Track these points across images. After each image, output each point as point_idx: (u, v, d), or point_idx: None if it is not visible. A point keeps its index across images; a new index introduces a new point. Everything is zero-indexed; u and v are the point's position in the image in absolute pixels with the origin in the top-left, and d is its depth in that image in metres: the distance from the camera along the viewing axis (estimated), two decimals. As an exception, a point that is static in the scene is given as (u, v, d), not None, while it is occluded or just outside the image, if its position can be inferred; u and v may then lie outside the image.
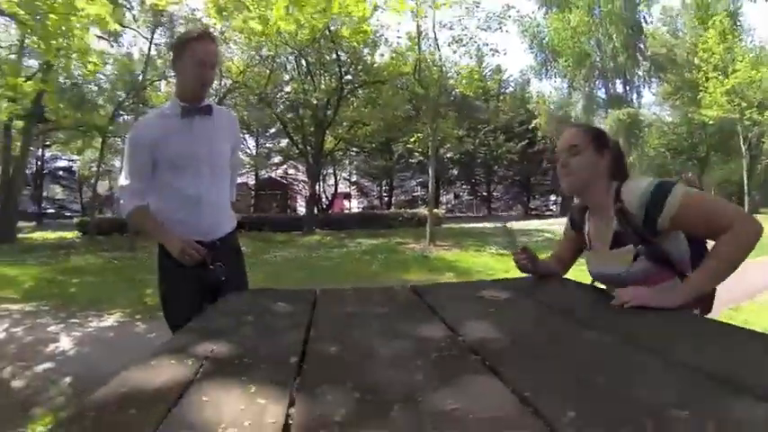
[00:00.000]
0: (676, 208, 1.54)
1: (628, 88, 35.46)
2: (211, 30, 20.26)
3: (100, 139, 25.19)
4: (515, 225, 21.38)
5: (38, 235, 24.16)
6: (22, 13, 8.56)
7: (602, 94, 34.63)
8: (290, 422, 0.78)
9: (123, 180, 2.30)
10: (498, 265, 11.16)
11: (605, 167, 1.79)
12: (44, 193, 42.31)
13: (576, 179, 1.80)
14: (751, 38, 35.22)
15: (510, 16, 16.69)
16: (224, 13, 9.49)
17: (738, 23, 30.96)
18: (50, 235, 23.62)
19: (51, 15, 8.48)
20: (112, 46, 23.76)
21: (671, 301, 1.45)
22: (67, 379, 4.63)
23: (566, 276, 2.13)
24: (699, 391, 0.85)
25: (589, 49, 33.18)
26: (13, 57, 16.81)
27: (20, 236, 22.49)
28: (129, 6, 22.51)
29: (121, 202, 2.32)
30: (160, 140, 2.23)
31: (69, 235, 23.41)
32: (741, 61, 27.13)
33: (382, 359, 1.08)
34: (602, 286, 1.89)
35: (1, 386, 4.55)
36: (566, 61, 33.04)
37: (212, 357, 1.11)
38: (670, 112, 40.90)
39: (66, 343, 5.91)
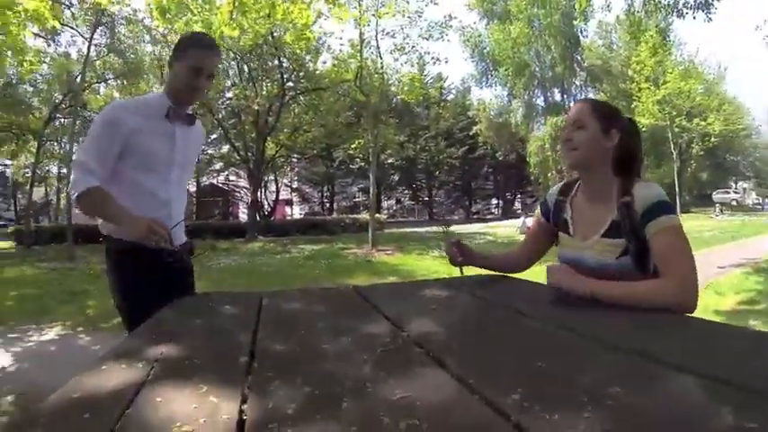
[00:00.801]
0: (659, 230, 1.58)
1: (565, 97, 36.96)
2: (154, 32, 19.70)
3: (35, 143, 24.06)
4: (457, 228, 21.71)
5: None
6: None
7: (540, 102, 36.03)
8: (245, 417, 0.79)
9: (82, 156, 2.12)
10: (441, 267, 11.28)
11: (611, 150, 1.76)
12: None
13: (579, 154, 1.77)
14: (680, 52, 37.55)
15: (452, 26, 17.02)
16: (167, 16, 9.27)
17: (668, 39, 32.75)
18: None
19: None
20: (49, 45, 22.77)
21: (579, 289, 1.52)
22: (9, 397, 4.41)
23: (507, 275, 2.14)
24: (632, 371, 0.92)
25: (528, 60, 34.47)
26: None
27: None
28: (68, 4, 21.57)
29: (73, 177, 2.07)
30: (139, 133, 2.11)
31: (3, 245, 22.27)
32: (671, 73, 28.85)
33: (330, 355, 1.10)
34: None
35: None
36: (506, 70, 34.09)
37: (162, 359, 1.10)
38: (606, 120, 42.69)
39: (4, 359, 5.61)
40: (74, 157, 2.30)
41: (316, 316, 1.55)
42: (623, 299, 1.47)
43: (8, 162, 34.23)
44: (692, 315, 1.41)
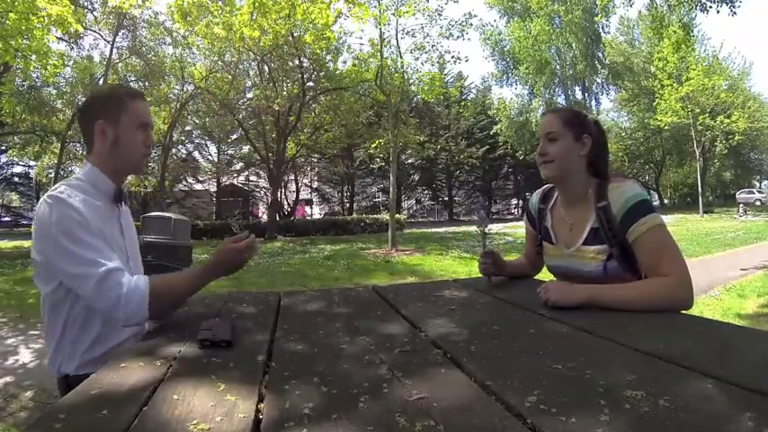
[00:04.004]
0: (643, 232, 1.57)
1: (586, 95, 36.62)
2: (175, 34, 19.78)
3: (58, 145, 24.50)
4: (471, 228, 21.63)
5: None
6: None
7: (561, 100, 35.62)
8: (261, 416, 0.80)
9: (90, 269, 1.43)
10: (461, 267, 11.27)
11: (585, 155, 1.78)
12: (0, 201, 40.92)
13: (554, 167, 1.78)
14: (704, 47, 36.81)
15: (472, 24, 16.88)
16: (188, 18, 9.38)
17: (692, 34, 32.12)
18: (6, 244, 22.77)
19: (11, 14, 8.24)
20: (72, 48, 23.22)
21: (569, 301, 1.48)
22: (29, 393, 4.51)
23: (536, 278, 2.13)
24: (651, 374, 0.90)
25: (549, 57, 34.13)
26: None
27: None
28: (90, 8, 22.04)
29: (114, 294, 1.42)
30: (100, 231, 1.56)
31: (27, 244, 22.65)
32: (694, 69, 28.22)
33: (347, 355, 1.10)
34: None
35: None
36: (526, 68, 33.82)
37: (180, 358, 1.12)
38: (627, 118, 42.25)
39: (26, 356, 5.73)
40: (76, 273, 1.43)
41: (334, 316, 1.55)
42: (621, 301, 1.45)
43: (32, 163, 34.87)
44: (710, 318, 1.40)
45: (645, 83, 34.42)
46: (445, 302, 1.67)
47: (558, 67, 34.93)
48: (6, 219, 40.31)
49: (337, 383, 0.92)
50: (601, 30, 35.09)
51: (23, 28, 8.58)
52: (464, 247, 15.64)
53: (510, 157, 39.02)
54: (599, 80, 37.67)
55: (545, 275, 2.03)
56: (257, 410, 0.82)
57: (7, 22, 8.43)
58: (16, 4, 8.28)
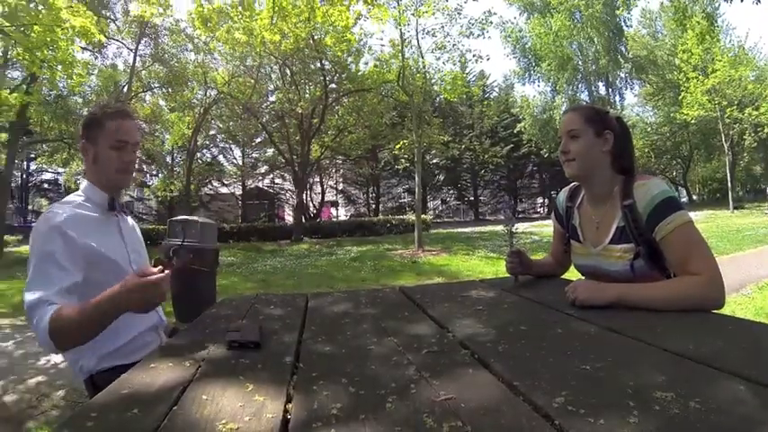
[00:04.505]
0: (670, 231, 1.54)
1: (610, 90, 36.07)
2: (196, 40, 20.07)
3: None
4: (495, 228, 21.51)
5: (24, 249, 23.84)
6: (7, 24, 8.54)
7: (584, 96, 35.13)
8: (289, 417, 0.80)
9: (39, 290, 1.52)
10: (487, 268, 11.21)
11: (608, 151, 1.76)
12: (30, 206, 42.13)
13: (577, 165, 1.76)
14: (729, 38, 35.88)
15: (492, 22, 16.76)
16: (208, 24, 9.52)
17: (716, 24, 31.41)
18: None
19: (36, 27, 8.49)
20: (96, 57, 23.73)
21: (597, 300, 1.46)
22: (60, 392, 4.61)
23: (563, 277, 2.11)
24: (681, 375, 0.88)
25: (571, 53, 33.66)
26: None
27: (6, 250, 22.22)
28: (113, 18, 22.55)
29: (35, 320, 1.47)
30: (95, 240, 1.72)
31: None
32: (720, 61, 27.55)
33: (375, 356, 1.11)
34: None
35: None
36: (548, 65, 33.46)
37: (209, 359, 1.13)
38: (652, 113, 41.45)
39: (57, 356, 5.85)
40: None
41: (361, 317, 1.56)
42: (650, 301, 1.42)
43: (60, 170, 35.64)
44: (743, 317, 1.36)
45: (669, 76, 33.74)
46: (472, 302, 1.66)
47: (580, 62, 34.43)
48: None
49: (365, 384, 0.92)
50: (623, 23, 34.48)
51: (48, 40, 8.84)
52: (490, 246, 15.55)
53: (534, 156, 38.64)
54: (622, 75, 37.09)
55: (572, 274, 2.01)
56: (285, 411, 0.83)
57: (32, 34, 8.70)
58: (41, 17, 8.54)
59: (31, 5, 8.96)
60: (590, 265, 1.82)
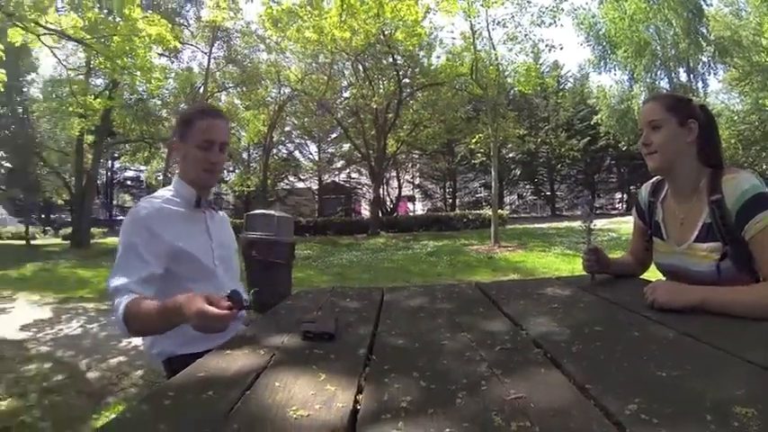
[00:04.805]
0: (760, 230, 1.43)
1: (692, 76, 33.46)
2: (267, 40, 20.77)
3: (165, 150, 26.46)
4: (568, 225, 20.94)
5: (109, 240, 25.61)
6: (89, 37, 9.18)
7: (664, 84, 32.72)
8: (359, 407, 0.82)
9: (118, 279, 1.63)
10: (564, 265, 10.95)
11: (693, 142, 1.64)
12: (114, 202, 45.55)
13: (660, 157, 1.65)
14: (822, 11, 32.76)
15: (563, 9, 16.22)
16: (279, 25, 9.79)
17: (806, -4, 28.77)
18: None
19: (115, 38, 9.11)
20: (172, 62, 24.98)
21: (677, 303, 1.37)
22: (139, 372, 4.89)
23: (642, 277, 2.01)
24: (766, 389, 0.83)
25: (648, 38, 31.40)
26: (81, 77, 17.91)
27: (93, 241, 23.97)
28: (186, 24, 23.65)
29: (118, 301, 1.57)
30: (180, 235, 1.79)
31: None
32: (814, 38, 25.25)
33: (448, 351, 1.11)
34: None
35: (77, 377, 4.86)
36: (624, 52, 31.51)
37: (284, 348, 1.17)
38: (739, 100, 38.64)
39: (137, 339, 6.21)
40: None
41: (436, 312, 1.56)
42: (735, 306, 1.31)
43: (142, 167, 37.67)
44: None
45: (756, 58, 31.16)
46: (547, 300, 1.63)
47: (658, 47, 32.21)
48: (121, 217, 44.33)
49: (436, 379, 0.92)
50: (702, 2, 32.04)
51: (127, 48, 9.45)
52: (567, 243, 15.12)
53: (612, 149, 36.92)
54: (704, 59, 34.46)
55: (652, 274, 1.91)
56: (355, 401, 0.84)
57: (112, 44, 9.34)
58: (119, 28, 9.15)
59: (110, 18, 9.67)
60: (672, 264, 1.72)
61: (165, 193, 1.90)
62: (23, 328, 7.06)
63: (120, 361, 5.34)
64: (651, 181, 1.91)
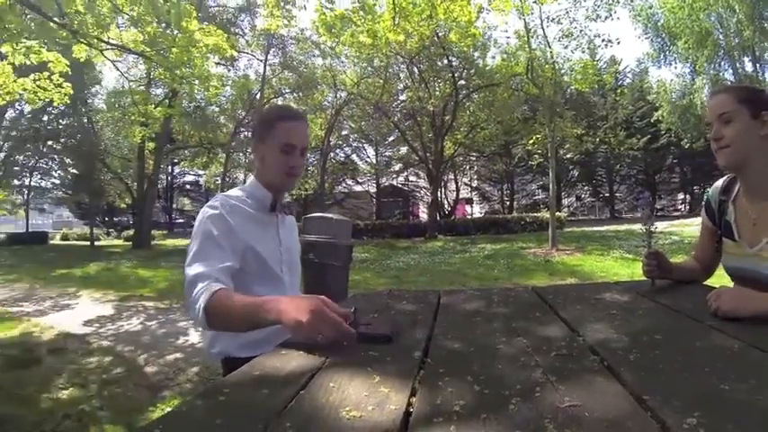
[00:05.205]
0: None
1: (758, 66, 31.41)
2: (322, 46, 21.14)
3: (223, 155, 27.26)
4: (627, 227, 20.30)
5: (169, 242, 26.72)
6: (149, 50, 9.68)
7: (728, 75, 30.76)
8: (411, 410, 0.83)
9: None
10: (622, 269, 10.66)
11: (767, 136, 1.53)
12: (174, 205, 47.53)
13: (732, 152, 1.56)
14: None
15: (619, 1, 15.77)
16: (333, 30, 9.94)
17: None
18: (180, 242, 25.93)
19: (173, 49, 9.59)
20: (229, 70, 25.81)
21: (744, 311, 1.28)
22: (195, 368, 5.06)
23: (706, 283, 1.91)
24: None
25: (710, 26, 29.41)
26: (141, 88, 18.75)
27: (153, 243, 25.03)
28: (241, 33, 24.32)
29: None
30: (252, 236, 1.78)
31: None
32: None
33: (502, 355, 1.10)
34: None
35: (135, 371, 5.08)
36: (685, 43, 29.75)
37: (339, 349, 1.19)
38: (814, 90, 36.38)
39: (194, 337, 6.46)
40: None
41: (492, 316, 1.55)
42: None
43: (201, 172, 39.09)
44: None
45: None
46: (605, 306, 1.59)
47: (721, 36, 30.17)
48: (180, 220, 46.57)
49: (490, 384, 0.92)
50: None
51: (185, 59, 9.90)
52: (626, 246, 14.67)
53: (674, 147, 35.25)
54: None
55: (716, 280, 1.83)
56: (409, 404, 0.85)
57: (171, 56, 9.80)
58: (177, 40, 9.62)
59: (168, 31, 10.11)
60: (742, 267, 1.63)
61: (239, 193, 1.88)
62: (86, 323, 7.47)
63: (177, 357, 5.56)
64: (723, 178, 1.82)
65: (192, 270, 1.56)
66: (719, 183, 1.82)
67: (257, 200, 1.87)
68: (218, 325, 1.51)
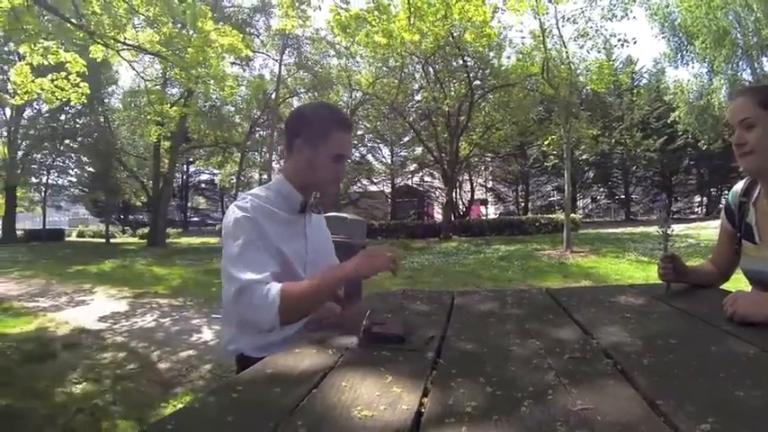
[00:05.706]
0: None
1: None
2: (337, 46, 21.20)
3: (239, 154, 27.42)
4: (643, 229, 20.13)
5: (184, 240, 26.95)
6: (164, 50, 9.78)
7: (747, 75, 30.23)
8: (423, 410, 0.83)
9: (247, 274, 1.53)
10: (637, 272, 10.57)
11: None
12: (189, 204, 47.91)
13: (758, 158, 1.52)
14: None
15: (635, 0, 15.61)
16: (348, 30, 9.97)
17: None
18: (195, 240, 26.17)
19: (189, 49, 9.70)
20: (245, 70, 25.98)
21: (761, 316, 1.26)
22: (207, 366, 5.09)
23: (722, 287, 1.89)
24: None
25: (728, 25, 28.88)
26: (157, 87, 18.94)
27: (168, 241, 25.29)
28: (257, 34, 24.45)
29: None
30: (281, 237, 1.74)
31: (212, 240, 25.66)
32: None
33: (515, 357, 1.10)
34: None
35: (148, 367, 5.12)
36: (702, 42, 29.24)
37: (352, 349, 1.20)
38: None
39: (207, 335, 6.52)
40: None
41: (505, 317, 1.55)
42: None
43: (216, 171, 39.37)
44: None
45: None
46: (619, 309, 1.58)
47: (739, 35, 29.52)
48: (195, 219, 47.19)
49: (502, 385, 0.92)
50: None
51: (201, 59, 9.98)
52: (641, 249, 14.52)
53: (691, 148, 34.71)
54: None
55: (732, 284, 1.81)
56: (420, 404, 0.85)
57: (186, 56, 9.90)
58: (192, 40, 9.71)
59: (184, 31, 10.20)
60: (762, 270, 1.61)
61: (267, 192, 1.82)
62: (101, 319, 7.55)
63: (190, 354, 5.60)
64: (744, 180, 1.79)
65: (244, 276, 1.52)
66: (740, 185, 1.79)
67: (285, 200, 1.82)
68: (292, 317, 1.54)
